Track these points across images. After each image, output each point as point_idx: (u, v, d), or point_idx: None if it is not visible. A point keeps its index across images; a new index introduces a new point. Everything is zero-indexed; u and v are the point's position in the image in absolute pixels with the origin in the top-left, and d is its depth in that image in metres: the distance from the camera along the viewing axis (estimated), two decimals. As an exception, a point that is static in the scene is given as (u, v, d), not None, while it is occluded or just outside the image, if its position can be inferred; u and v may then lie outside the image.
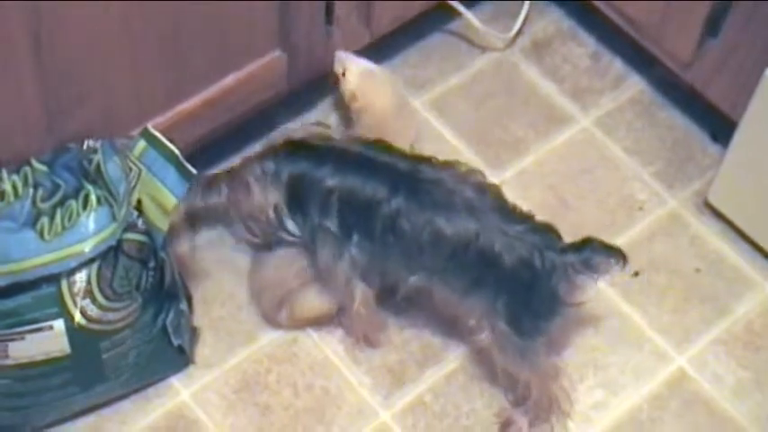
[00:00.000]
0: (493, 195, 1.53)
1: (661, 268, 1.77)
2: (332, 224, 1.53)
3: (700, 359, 1.69)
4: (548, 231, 1.51)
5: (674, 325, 1.72)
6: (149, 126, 1.46)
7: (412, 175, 1.52)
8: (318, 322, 1.67)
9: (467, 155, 1.86)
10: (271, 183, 1.55)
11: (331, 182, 1.52)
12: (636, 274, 1.76)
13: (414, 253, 1.51)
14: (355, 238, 1.53)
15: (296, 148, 1.56)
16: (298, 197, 1.55)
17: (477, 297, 1.51)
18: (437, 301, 1.57)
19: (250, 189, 1.57)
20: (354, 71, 1.75)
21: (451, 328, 1.65)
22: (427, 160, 1.56)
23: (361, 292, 1.58)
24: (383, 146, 1.58)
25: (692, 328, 1.72)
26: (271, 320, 1.67)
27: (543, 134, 1.90)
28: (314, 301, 1.63)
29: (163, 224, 1.46)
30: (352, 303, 1.59)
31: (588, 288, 1.53)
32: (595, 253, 1.48)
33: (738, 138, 1.71)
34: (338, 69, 1.76)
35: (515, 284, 1.49)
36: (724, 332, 1.72)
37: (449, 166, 1.55)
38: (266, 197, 1.56)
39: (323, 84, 1.81)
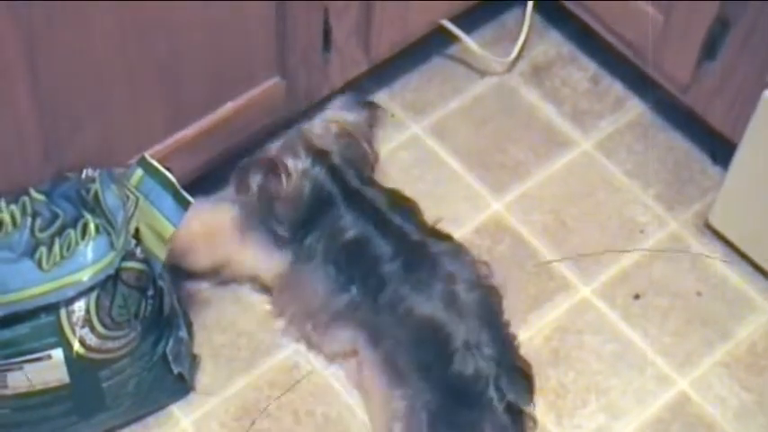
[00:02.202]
0: (482, 298, 1.53)
1: (662, 291, 1.76)
2: (341, 274, 1.56)
3: (702, 382, 1.68)
4: (513, 373, 1.50)
5: (676, 348, 1.71)
6: (146, 155, 1.46)
7: (419, 248, 1.55)
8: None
9: (467, 179, 1.86)
10: (305, 174, 1.57)
11: (349, 234, 1.55)
12: (637, 296, 1.75)
13: (390, 318, 1.53)
14: (354, 289, 1.56)
15: (333, 171, 1.58)
16: (315, 214, 1.58)
17: (420, 379, 1.50)
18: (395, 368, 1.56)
19: (288, 170, 1.57)
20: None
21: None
22: (447, 237, 1.60)
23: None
24: (409, 206, 1.62)
25: (694, 350, 1.71)
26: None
27: (544, 157, 1.90)
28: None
29: (161, 252, 1.46)
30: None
31: None
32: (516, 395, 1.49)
33: (738, 159, 1.70)
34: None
35: (452, 392, 1.48)
36: (726, 355, 1.71)
37: (460, 251, 1.58)
38: (302, 180, 1.57)
39: (321, 110, 1.81)
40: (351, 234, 1.56)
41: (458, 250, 1.58)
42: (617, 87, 1.97)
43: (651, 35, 1.76)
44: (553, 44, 2.01)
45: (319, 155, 1.59)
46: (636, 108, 1.95)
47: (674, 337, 1.72)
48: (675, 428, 1.64)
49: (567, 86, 1.97)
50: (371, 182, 1.64)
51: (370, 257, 1.55)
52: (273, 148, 1.62)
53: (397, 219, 1.57)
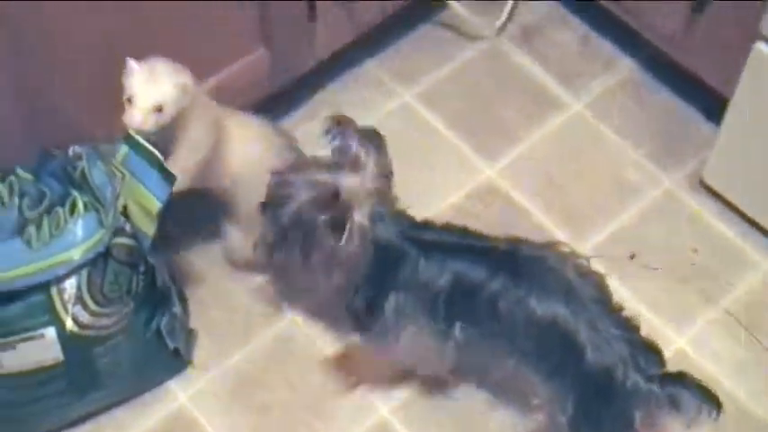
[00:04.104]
0: (594, 284, 1.42)
1: (657, 250, 1.75)
2: (440, 323, 1.45)
3: (700, 339, 1.68)
4: (646, 349, 1.39)
5: (672, 306, 1.70)
6: (131, 131, 1.46)
7: (512, 255, 1.43)
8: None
9: (459, 145, 1.85)
10: (361, 240, 1.39)
11: (442, 281, 1.42)
12: (632, 256, 1.74)
13: (511, 334, 1.43)
14: (458, 324, 1.45)
15: (393, 225, 1.42)
16: (386, 275, 1.44)
17: (554, 384, 1.42)
18: (519, 382, 1.49)
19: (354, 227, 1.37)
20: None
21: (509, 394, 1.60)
22: (526, 242, 1.46)
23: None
24: (472, 230, 1.48)
25: (690, 308, 1.70)
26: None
27: (535, 120, 1.88)
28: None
29: (149, 228, 1.45)
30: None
31: (671, 428, 1.38)
32: (687, 391, 1.35)
33: (731, 115, 1.69)
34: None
35: (591, 387, 1.38)
36: (723, 311, 1.70)
37: (550, 245, 1.46)
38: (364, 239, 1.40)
39: (308, 82, 1.80)
40: (444, 280, 1.42)
41: (548, 245, 1.47)
42: (607, 47, 1.95)
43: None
44: (542, 6, 2.00)
45: (368, 206, 1.40)
46: (626, 67, 1.93)
47: (669, 295, 1.71)
48: (674, 386, 1.64)
49: (556, 48, 1.95)
50: (411, 218, 1.48)
51: (469, 289, 1.42)
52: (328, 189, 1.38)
53: (472, 240, 1.45)
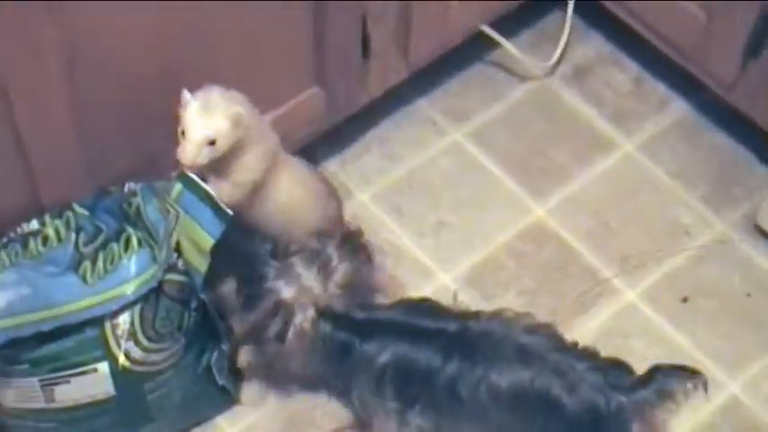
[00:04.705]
0: (546, 336, 1.45)
1: (710, 293, 1.73)
2: (391, 401, 1.48)
3: (753, 385, 1.65)
4: (614, 367, 1.42)
5: (726, 351, 1.68)
6: (184, 167, 1.47)
7: (462, 335, 1.45)
8: None
9: (509, 185, 1.85)
10: (311, 342, 1.49)
11: (382, 359, 1.47)
12: (684, 299, 1.73)
13: (479, 413, 1.45)
14: (417, 407, 1.47)
15: (337, 319, 1.49)
16: (342, 367, 1.51)
17: None
18: None
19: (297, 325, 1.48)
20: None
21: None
22: (474, 315, 1.49)
23: None
24: (426, 305, 1.53)
25: (744, 353, 1.68)
26: None
27: (586, 161, 1.88)
28: None
29: (201, 265, 1.46)
30: None
31: (668, 421, 1.42)
32: (668, 380, 1.39)
33: (785, 158, 1.68)
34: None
35: (582, 428, 1.40)
36: (777, 357, 1.68)
37: (496, 315, 1.49)
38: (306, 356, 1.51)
39: (362, 119, 1.81)
40: (384, 359, 1.47)
41: (495, 315, 1.49)
42: (660, 88, 1.94)
43: (694, 34, 1.74)
44: (594, 46, 1.99)
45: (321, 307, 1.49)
46: (679, 109, 1.92)
47: (723, 339, 1.69)
48: (727, 433, 1.62)
49: (608, 88, 1.95)
50: (378, 307, 1.56)
51: (425, 374, 1.46)
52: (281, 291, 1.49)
53: (427, 323, 1.48)
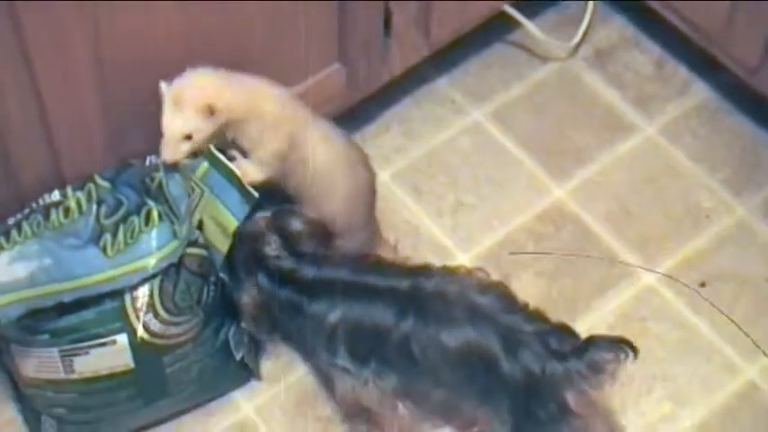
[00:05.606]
0: (497, 295, 1.44)
1: (729, 278, 1.73)
2: (344, 360, 1.48)
3: (771, 371, 1.66)
4: (556, 331, 1.42)
5: (742, 337, 1.68)
6: (212, 147, 1.47)
7: (414, 294, 1.45)
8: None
9: (529, 165, 1.84)
10: (263, 304, 1.50)
11: (332, 318, 1.46)
12: (703, 284, 1.72)
13: (431, 372, 1.46)
14: (373, 365, 1.48)
15: (283, 277, 1.48)
16: (291, 329, 1.52)
17: (488, 405, 1.45)
18: (462, 411, 1.52)
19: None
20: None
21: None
22: (423, 270, 1.47)
23: (400, 409, 1.53)
24: (375, 263, 1.51)
25: (762, 338, 1.68)
26: None
27: (607, 143, 1.87)
28: None
29: (223, 245, 1.47)
30: (393, 420, 1.55)
31: (603, 388, 1.42)
32: (599, 352, 1.37)
33: (808, 143, 1.67)
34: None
35: (519, 393, 1.41)
36: (796, 343, 1.68)
37: (449, 272, 1.48)
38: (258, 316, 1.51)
39: (382, 97, 1.81)
40: (334, 317, 1.46)
41: (447, 272, 1.48)
42: (682, 71, 1.93)
43: (717, 17, 1.73)
44: (616, 28, 1.98)
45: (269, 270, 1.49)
46: (701, 92, 1.91)
47: (741, 324, 1.69)
48: (743, 417, 1.62)
49: (630, 71, 1.94)
50: (328, 259, 1.52)
51: (378, 332, 1.45)
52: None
53: (377, 281, 1.46)
